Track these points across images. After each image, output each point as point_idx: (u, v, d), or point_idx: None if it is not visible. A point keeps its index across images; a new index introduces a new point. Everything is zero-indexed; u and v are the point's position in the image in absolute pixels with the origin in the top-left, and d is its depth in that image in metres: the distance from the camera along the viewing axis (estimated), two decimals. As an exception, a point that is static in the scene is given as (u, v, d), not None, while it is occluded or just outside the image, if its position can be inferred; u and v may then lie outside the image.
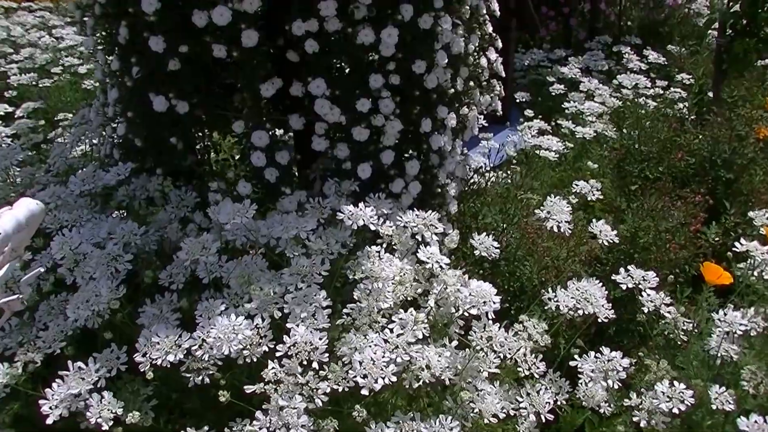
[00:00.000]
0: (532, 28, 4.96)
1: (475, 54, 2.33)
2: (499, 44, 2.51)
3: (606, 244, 2.18)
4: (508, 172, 3.36)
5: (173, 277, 1.98)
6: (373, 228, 1.89)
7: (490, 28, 2.39)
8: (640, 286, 1.97)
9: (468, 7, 2.19)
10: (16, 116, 3.30)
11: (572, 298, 1.89)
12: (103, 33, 2.26)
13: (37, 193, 2.38)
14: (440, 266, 1.86)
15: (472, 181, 2.88)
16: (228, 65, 2.08)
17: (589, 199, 2.88)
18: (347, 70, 2.07)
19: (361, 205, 1.92)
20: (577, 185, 2.92)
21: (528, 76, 5.13)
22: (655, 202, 2.75)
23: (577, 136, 3.69)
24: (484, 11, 2.31)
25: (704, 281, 2.10)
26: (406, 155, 2.22)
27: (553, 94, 4.49)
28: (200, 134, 2.40)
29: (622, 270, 2.02)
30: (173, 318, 1.90)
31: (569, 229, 2.23)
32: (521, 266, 2.57)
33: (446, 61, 2.09)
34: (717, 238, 2.73)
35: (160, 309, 1.93)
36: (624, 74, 4.72)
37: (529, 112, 4.29)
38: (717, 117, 3.38)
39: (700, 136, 3.36)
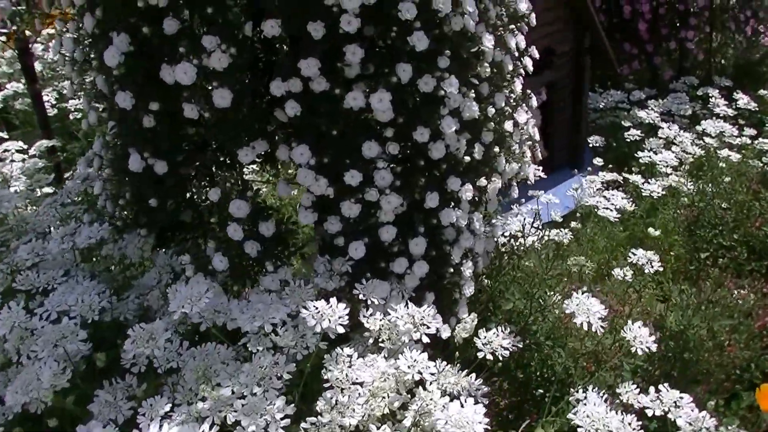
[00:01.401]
0: (610, 67, 4.51)
1: (501, 116, 1.97)
2: (534, 103, 2.14)
3: (641, 353, 1.79)
4: (563, 231, 2.96)
5: (136, 357, 1.71)
6: (341, 331, 1.56)
7: (519, 87, 2.02)
8: (670, 414, 1.57)
9: (488, 65, 1.83)
10: (29, 154, 3.12)
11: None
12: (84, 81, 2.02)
13: (22, 245, 2.15)
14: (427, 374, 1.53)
15: (508, 246, 2.50)
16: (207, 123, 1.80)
17: (646, 272, 2.47)
18: (336, 136, 1.74)
19: (333, 300, 1.60)
20: (634, 254, 2.51)
21: (606, 118, 4.68)
22: (714, 289, 2.30)
23: (644, 194, 3.25)
24: (510, 67, 1.95)
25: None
26: (411, 231, 1.87)
27: (628, 140, 4.04)
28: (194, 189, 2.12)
29: (651, 390, 1.63)
30: (126, 407, 1.68)
31: (602, 327, 1.85)
32: (552, 356, 2.19)
33: (455, 128, 1.74)
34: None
35: (114, 395, 1.68)
36: (709, 120, 4.22)
37: (598, 161, 3.88)
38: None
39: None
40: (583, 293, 1.92)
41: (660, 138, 4.07)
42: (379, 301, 1.77)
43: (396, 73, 1.65)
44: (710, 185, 3.38)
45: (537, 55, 2.18)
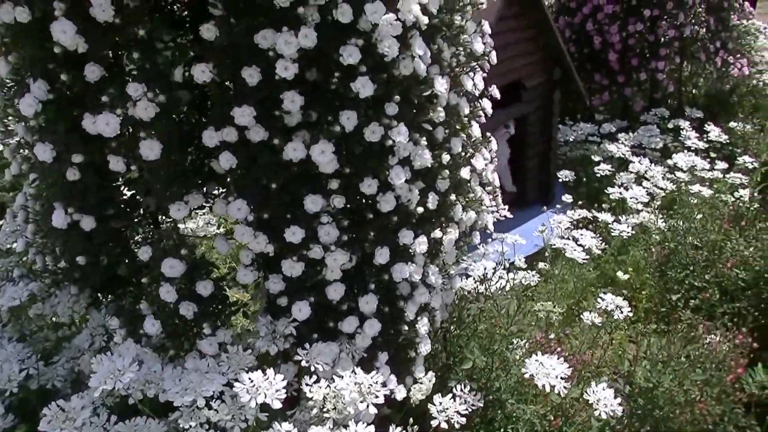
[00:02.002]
0: (580, 100, 4.42)
1: (458, 162, 1.84)
2: (493, 146, 2.01)
3: (605, 416, 1.66)
4: (530, 273, 2.84)
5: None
6: (279, 405, 1.41)
7: (477, 130, 1.90)
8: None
9: (442, 109, 1.71)
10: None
11: None
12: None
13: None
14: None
15: (471, 295, 2.37)
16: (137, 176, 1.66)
17: (615, 317, 2.35)
18: (276, 189, 1.60)
19: (270, 371, 1.45)
20: (603, 299, 2.39)
21: (576, 151, 4.58)
22: (685, 340, 2.18)
23: (613, 234, 3.13)
24: (467, 110, 1.82)
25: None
26: (362, 288, 1.74)
27: (598, 175, 3.94)
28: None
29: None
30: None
31: (564, 388, 1.72)
32: (516, 412, 2.05)
33: (405, 178, 1.60)
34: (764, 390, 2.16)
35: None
36: (681, 153, 4.13)
37: (567, 197, 3.76)
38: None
39: (756, 244, 2.77)
40: (543, 353, 1.80)
41: (631, 173, 3.97)
42: (324, 367, 1.62)
43: (340, 122, 1.52)
44: (682, 222, 3.27)
45: (497, 95, 2.06)
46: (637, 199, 3.50)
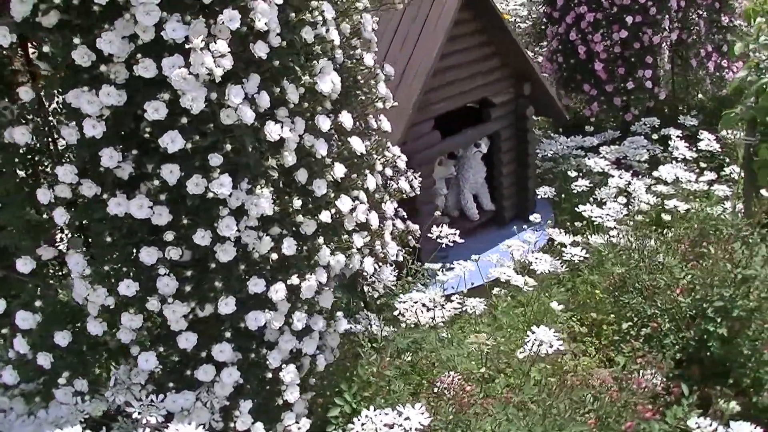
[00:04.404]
0: (556, 114, 4.36)
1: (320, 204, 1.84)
2: (370, 184, 2.01)
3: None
4: (477, 300, 2.82)
5: None
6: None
7: (341, 171, 1.88)
8: None
9: (288, 153, 1.71)
10: None
11: None
12: None
13: None
14: None
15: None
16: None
17: (542, 353, 2.31)
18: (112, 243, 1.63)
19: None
20: (534, 332, 2.36)
21: (561, 166, 4.51)
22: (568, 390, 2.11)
23: (565, 257, 3.08)
24: (323, 152, 1.81)
25: None
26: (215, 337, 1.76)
27: (575, 191, 3.87)
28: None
29: None
30: None
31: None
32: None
33: (235, 228, 1.62)
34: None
35: None
36: (668, 165, 4.04)
37: (536, 216, 3.70)
38: (724, 243, 2.68)
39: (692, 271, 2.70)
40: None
41: (612, 188, 3.89)
42: (158, 419, 1.65)
43: (160, 175, 1.55)
44: (647, 242, 3.20)
45: (387, 127, 2.06)
46: (603, 216, 3.42)
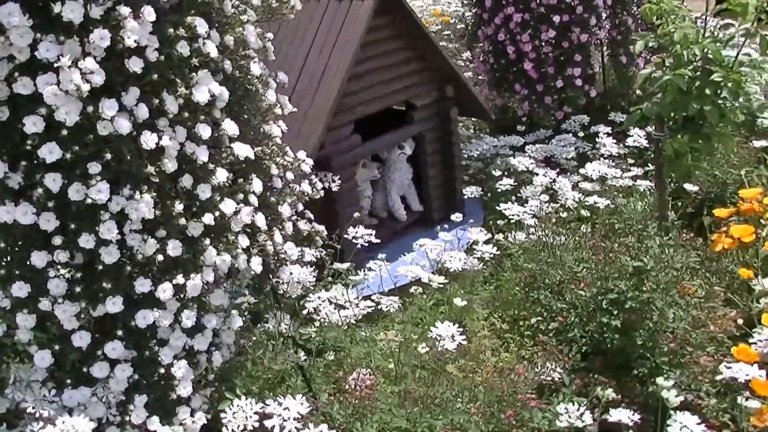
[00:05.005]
0: (482, 115, 4.59)
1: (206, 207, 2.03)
2: (256, 186, 2.19)
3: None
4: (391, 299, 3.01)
5: None
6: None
7: (223, 175, 2.06)
8: None
9: (169, 160, 1.91)
10: None
11: None
12: None
13: None
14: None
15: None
16: None
17: (447, 348, 2.50)
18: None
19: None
20: (437, 327, 2.55)
21: (490, 166, 4.73)
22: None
23: (475, 255, 3.28)
24: (204, 158, 2.00)
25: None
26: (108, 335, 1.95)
27: (499, 190, 4.08)
28: None
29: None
30: None
31: None
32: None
33: (116, 232, 1.81)
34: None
35: None
36: (595, 162, 4.27)
37: (457, 216, 3.90)
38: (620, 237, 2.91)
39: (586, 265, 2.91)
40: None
41: (537, 186, 4.09)
42: (51, 412, 1.84)
43: (43, 183, 1.74)
44: (558, 238, 3.41)
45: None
46: (521, 214, 3.61)
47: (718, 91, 3.08)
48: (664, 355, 2.68)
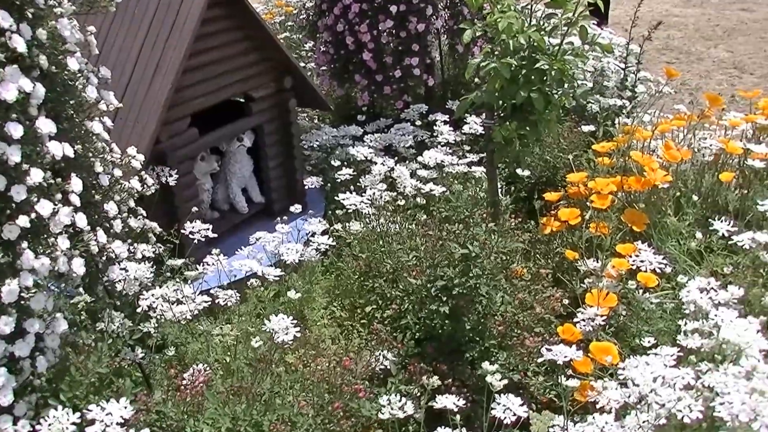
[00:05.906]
0: (320, 105, 4.65)
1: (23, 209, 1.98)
2: (75, 186, 2.15)
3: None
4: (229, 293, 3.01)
5: None
6: None
7: (37, 176, 2.00)
8: None
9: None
10: None
11: None
12: None
13: None
14: None
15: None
16: None
17: (284, 340, 2.53)
18: None
19: None
20: (270, 321, 2.58)
21: (331, 157, 4.78)
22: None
23: (312, 247, 3.34)
24: (15, 158, 1.94)
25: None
26: None
27: (339, 180, 4.13)
28: None
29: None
30: None
31: None
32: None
33: None
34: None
35: None
36: (432, 150, 4.39)
37: (296, 207, 3.93)
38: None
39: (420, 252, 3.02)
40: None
41: (376, 175, 4.16)
42: None
43: None
44: (393, 227, 3.51)
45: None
46: (357, 204, 3.67)
47: (544, 79, 3.24)
48: (492, 338, 2.81)
